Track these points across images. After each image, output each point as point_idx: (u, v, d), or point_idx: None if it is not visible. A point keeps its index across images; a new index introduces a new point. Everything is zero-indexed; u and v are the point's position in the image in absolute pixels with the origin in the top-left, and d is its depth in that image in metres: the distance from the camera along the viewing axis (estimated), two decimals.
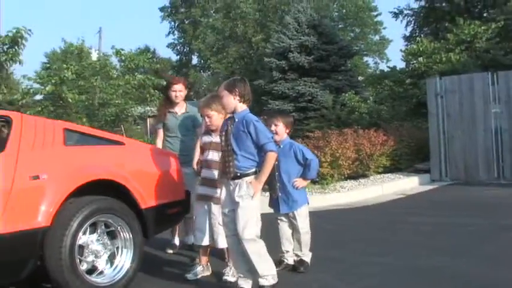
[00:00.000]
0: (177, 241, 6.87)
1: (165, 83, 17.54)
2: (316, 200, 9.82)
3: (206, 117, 5.36)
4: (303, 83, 23.44)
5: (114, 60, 17.19)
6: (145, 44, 54.08)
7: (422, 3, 24.76)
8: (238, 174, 4.65)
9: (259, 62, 36.57)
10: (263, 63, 29.82)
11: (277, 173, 5.43)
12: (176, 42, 56.60)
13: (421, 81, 17.26)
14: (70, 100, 13.55)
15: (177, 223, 6.38)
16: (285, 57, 24.42)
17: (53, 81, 13.73)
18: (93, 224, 4.81)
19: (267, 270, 4.63)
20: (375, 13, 47.89)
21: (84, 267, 4.72)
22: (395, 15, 26.18)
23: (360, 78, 29.14)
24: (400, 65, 24.31)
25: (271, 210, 5.72)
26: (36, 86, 14.97)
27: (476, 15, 21.05)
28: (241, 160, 4.65)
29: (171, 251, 6.77)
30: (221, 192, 4.89)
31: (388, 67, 22.31)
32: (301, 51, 24.18)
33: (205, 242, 5.47)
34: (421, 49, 18.06)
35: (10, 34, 11.55)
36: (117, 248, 5.02)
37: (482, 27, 17.45)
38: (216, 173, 5.13)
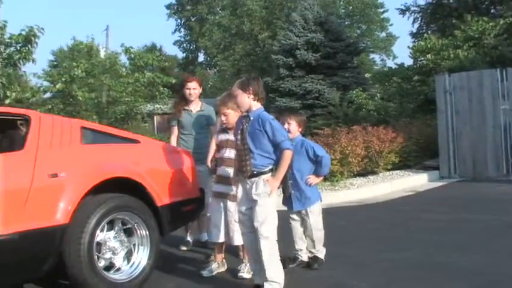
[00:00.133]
0: (190, 238, 6.92)
1: (174, 80, 17.83)
2: (327, 197, 9.81)
3: (223, 116, 5.41)
4: (310, 80, 23.48)
5: (123, 58, 17.32)
6: (152, 42, 54.15)
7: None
8: (255, 173, 4.67)
9: (265, 59, 36.63)
10: (270, 61, 29.87)
11: (289, 171, 5.45)
12: (182, 39, 56.69)
13: (429, 78, 17.26)
14: (80, 98, 13.62)
15: (191, 221, 6.42)
16: (292, 55, 24.45)
17: (63, 79, 13.79)
18: (111, 221, 4.87)
19: (276, 277, 4.63)
20: (382, 10, 47.88)
21: (102, 264, 4.78)
22: (402, 12, 26.08)
23: (368, 75, 29.13)
24: (407, 61, 24.19)
25: (286, 208, 5.74)
26: (46, 83, 15.07)
27: (484, 11, 20.96)
28: (258, 158, 4.67)
29: (184, 248, 6.81)
30: (237, 191, 4.92)
31: (396, 64, 22.31)
32: (308, 48, 24.21)
33: (221, 239, 5.51)
34: (429, 46, 18.01)
35: (23, 33, 11.62)
36: (134, 245, 5.07)
37: (491, 24, 17.40)
38: (231, 170, 5.17)
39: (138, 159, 5.38)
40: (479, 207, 9.18)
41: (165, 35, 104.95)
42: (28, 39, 11.56)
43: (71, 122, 5.23)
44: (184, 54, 57.70)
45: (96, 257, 4.66)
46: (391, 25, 49.99)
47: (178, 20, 55.54)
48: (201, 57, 57.89)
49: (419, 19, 25.67)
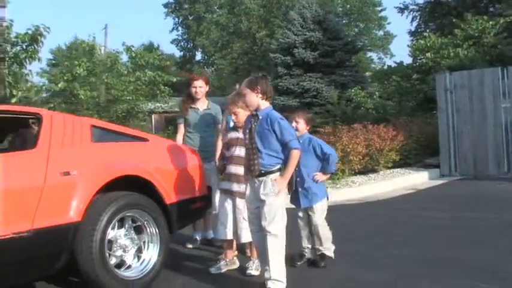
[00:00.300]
0: (197, 236, 6.96)
1: (175, 79, 17.90)
2: (329, 195, 9.88)
3: (233, 115, 5.45)
4: (308, 79, 23.56)
5: (123, 57, 17.36)
6: (150, 40, 54.15)
7: None
8: (263, 172, 4.70)
9: (263, 57, 36.75)
10: (267, 59, 29.97)
11: (296, 168, 5.47)
12: (180, 38, 56.65)
13: (429, 77, 17.34)
14: (82, 97, 13.66)
15: (199, 218, 6.47)
16: (290, 53, 24.54)
17: (65, 77, 13.83)
18: (121, 219, 4.90)
19: (279, 276, 4.65)
20: (379, 8, 47.91)
21: (113, 261, 4.81)
22: (401, 10, 26.16)
23: (368, 73, 29.20)
24: (405, 60, 24.39)
25: (293, 206, 5.77)
26: (44, 81, 15.10)
27: (483, 10, 21.04)
28: (266, 158, 4.70)
29: (191, 246, 6.85)
30: (246, 189, 4.97)
31: (395, 62, 22.36)
32: (306, 46, 24.30)
33: (228, 236, 5.53)
34: (428, 44, 18.10)
35: (29, 32, 11.64)
36: (144, 242, 5.11)
37: (491, 23, 17.48)
38: (241, 168, 5.20)
39: (147, 158, 5.43)
40: (480, 205, 9.24)
41: (162, 33, 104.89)
42: (34, 38, 11.59)
43: (82, 121, 5.26)
44: (182, 52, 57.70)
45: (107, 254, 4.70)
46: (388, 23, 50.07)
47: (176, 19, 55.50)
48: (198, 56, 57.90)
49: (418, 18, 25.75)
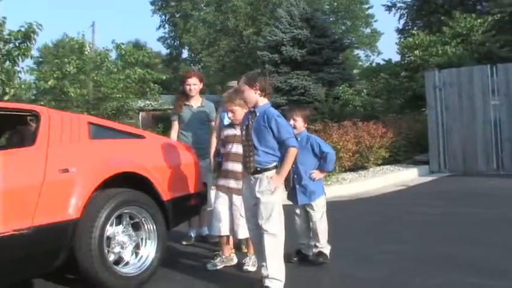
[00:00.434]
0: (193, 233, 6.98)
1: (164, 77, 17.91)
2: None
3: (230, 112, 5.45)
4: (295, 76, 23.61)
5: (112, 54, 17.32)
6: (136, 38, 54.03)
7: None
8: (259, 169, 4.67)
9: (250, 55, 36.70)
10: (254, 57, 29.94)
11: (293, 165, 5.45)
12: (167, 36, 56.56)
13: (417, 74, 17.43)
14: (72, 94, 13.60)
15: (195, 215, 6.48)
16: (277, 51, 24.58)
17: (55, 75, 13.77)
18: (119, 216, 4.92)
19: (277, 274, 4.63)
20: (366, 6, 48.05)
21: (111, 258, 4.83)
22: (388, 8, 26.29)
23: (356, 71, 29.30)
24: (392, 57, 24.46)
25: (290, 202, 5.78)
26: (32, 78, 14.99)
27: (470, 7, 21.19)
28: (262, 155, 4.66)
29: (186, 243, 6.86)
30: (243, 186, 4.97)
31: (384, 60, 22.47)
32: (293, 44, 24.36)
33: (223, 232, 5.52)
34: (417, 42, 18.21)
35: (22, 29, 11.58)
36: (142, 239, 5.13)
37: (479, 20, 17.62)
38: (238, 165, 5.21)
39: (144, 154, 5.44)
40: (471, 201, 9.32)
41: (149, 31, 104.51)
42: (27, 35, 11.52)
43: (79, 118, 5.27)
44: (169, 50, 57.62)
45: (106, 251, 4.71)
46: (375, 21, 50.25)
47: (163, 16, 55.38)
48: (185, 54, 57.85)
49: (406, 15, 25.87)
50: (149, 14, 55.41)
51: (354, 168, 12.75)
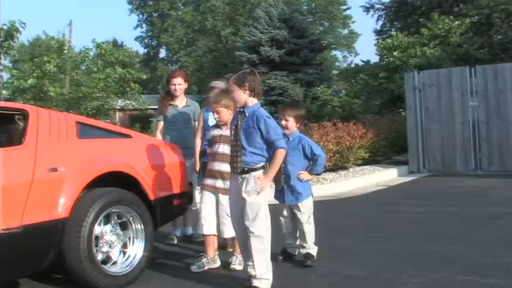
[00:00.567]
0: (177, 232, 6.98)
1: (145, 76, 17.87)
2: None
3: (215, 113, 5.45)
4: (273, 77, 23.65)
5: (91, 53, 17.22)
6: (114, 37, 53.77)
7: None
8: (246, 169, 4.64)
9: (228, 55, 36.71)
10: (233, 57, 29.93)
11: (283, 165, 5.38)
12: (144, 35, 56.38)
13: (396, 75, 17.58)
14: (52, 93, 13.50)
15: (181, 214, 6.46)
16: (256, 51, 24.61)
17: (35, 74, 13.66)
18: (107, 215, 4.90)
19: (265, 274, 4.63)
20: (344, 7, 48.28)
21: (99, 257, 4.82)
22: (367, 9, 26.46)
23: (334, 71, 29.44)
24: (371, 58, 24.70)
25: (277, 201, 5.80)
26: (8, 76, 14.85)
27: (448, 9, 21.41)
28: (250, 155, 4.63)
29: (170, 242, 6.85)
30: (230, 186, 4.97)
31: (363, 61, 22.62)
32: (272, 45, 24.42)
33: (208, 231, 5.50)
34: (395, 43, 18.38)
35: (5, 27, 11.46)
36: (129, 238, 5.12)
37: (456, 22, 17.84)
38: (225, 165, 5.22)
39: (131, 154, 5.43)
40: (452, 200, 9.45)
41: (126, 30, 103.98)
42: (10, 33, 11.42)
43: (66, 117, 5.25)
44: (146, 50, 57.42)
45: (95, 250, 4.71)
46: (353, 22, 50.53)
47: (140, 16, 55.19)
48: (162, 53, 57.70)
49: (383, 17, 26.05)
50: (126, 13, 55.22)
51: (334, 168, 12.82)
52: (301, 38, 24.74)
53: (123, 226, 5.12)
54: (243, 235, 4.75)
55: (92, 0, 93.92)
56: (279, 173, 5.14)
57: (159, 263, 5.86)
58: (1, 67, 11.67)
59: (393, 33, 20.50)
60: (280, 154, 4.61)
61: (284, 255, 5.76)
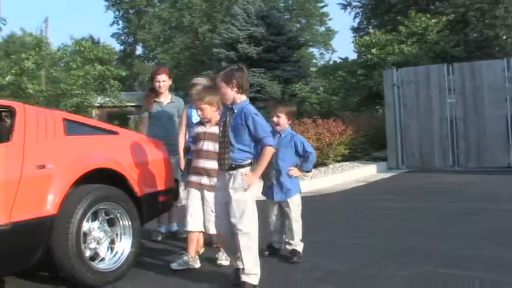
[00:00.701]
0: (162, 229, 7.00)
1: (124, 73, 17.81)
2: None
3: (199, 110, 5.48)
4: (251, 74, 23.58)
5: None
6: (90, 34, 53.38)
7: None
8: (233, 166, 4.65)
9: (205, 52, 36.62)
10: (210, 54, 29.88)
11: (273, 161, 5.47)
12: (120, 32, 56.04)
13: (374, 72, 17.72)
14: (30, 91, 13.41)
15: (167, 210, 6.48)
16: (233, 48, 24.56)
17: (13, 71, 13.55)
18: (94, 211, 4.92)
19: (253, 269, 4.65)
20: (321, 4, 48.35)
21: (87, 254, 4.83)
22: (344, 7, 26.54)
23: (313, 69, 29.53)
24: (348, 55, 24.79)
25: (264, 198, 5.84)
26: None
27: (424, 7, 21.61)
28: (237, 152, 4.64)
29: (155, 239, 6.87)
30: (217, 182, 4.98)
31: (341, 58, 22.71)
32: (250, 42, 24.39)
33: (196, 228, 5.48)
34: (373, 41, 18.52)
35: None
36: (117, 234, 5.14)
37: (433, 20, 18.04)
38: (210, 162, 5.26)
39: (118, 150, 5.45)
40: (431, 196, 9.59)
41: (102, 27, 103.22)
42: None
43: (53, 114, 5.25)
44: (122, 47, 57.06)
45: (83, 246, 4.72)
46: (330, 20, 50.63)
47: (117, 12, 54.82)
48: (139, 50, 57.38)
49: (361, 14, 26.18)
50: (103, 10, 54.90)
51: (314, 164, 12.86)
52: (278, 35, 24.76)
53: (111, 223, 5.13)
54: (227, 232, 4.76)
55: None
56: (268, 169, 5.16)
57: (145, 260, 5.87)
58: None
59: (370, 30, 20.63)
60: (268, 152, 4.62)
61: (270, 250, 5.82)
